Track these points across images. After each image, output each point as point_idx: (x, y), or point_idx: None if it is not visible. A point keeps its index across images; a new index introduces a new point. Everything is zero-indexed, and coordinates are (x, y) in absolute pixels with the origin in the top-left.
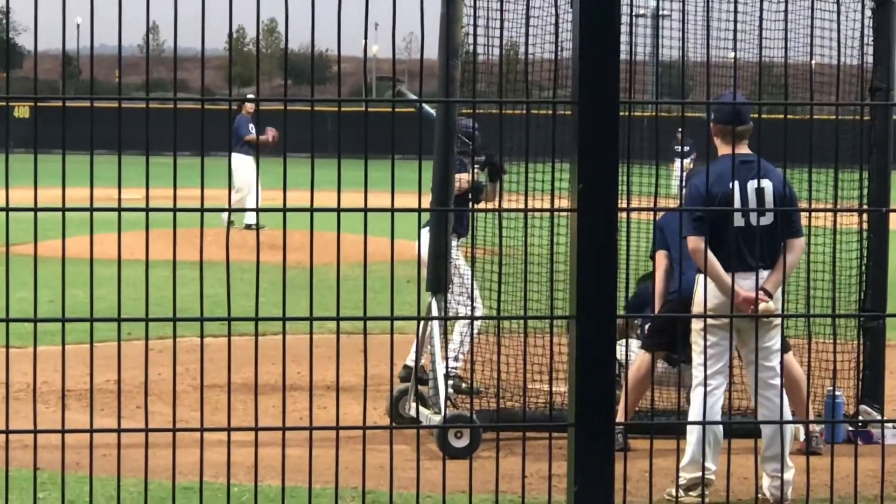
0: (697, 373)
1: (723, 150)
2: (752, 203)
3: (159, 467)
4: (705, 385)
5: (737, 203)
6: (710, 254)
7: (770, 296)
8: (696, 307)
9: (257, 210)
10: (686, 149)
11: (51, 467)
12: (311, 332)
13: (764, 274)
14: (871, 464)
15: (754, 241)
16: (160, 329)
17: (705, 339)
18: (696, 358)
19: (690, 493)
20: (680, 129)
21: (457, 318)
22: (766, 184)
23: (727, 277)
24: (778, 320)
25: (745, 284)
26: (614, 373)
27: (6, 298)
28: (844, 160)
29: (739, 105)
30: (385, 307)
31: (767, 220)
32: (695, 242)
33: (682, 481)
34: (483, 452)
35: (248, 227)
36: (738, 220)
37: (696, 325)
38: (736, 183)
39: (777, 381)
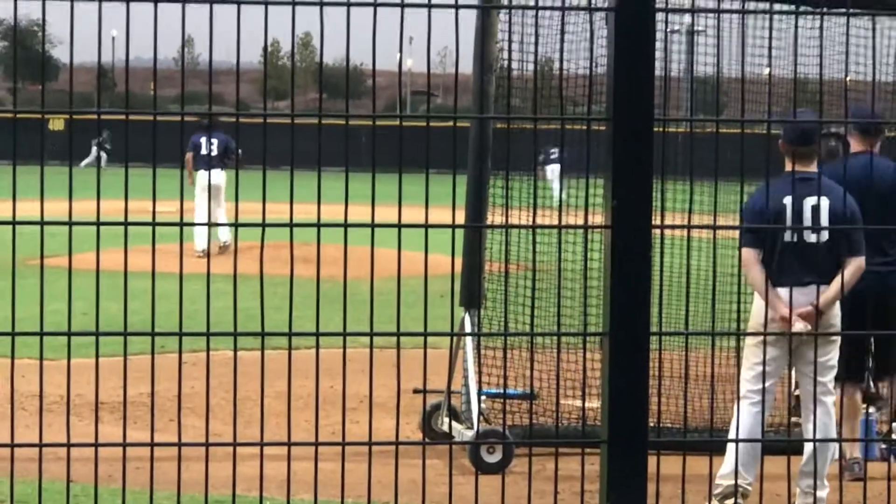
0: (744, 386)
1: (788, 167)
2: (807, 219)
3: (192, 481)
4: (738, 398)
5: (789, 219)
6: (757, 268)
7: (819, 312)
8: (752, 321)
9: (208, 226)
10: (554, 155)
11: (84, 480)
12: (345, 347)
13: (815, 290)
14: None
15: (807, 257)
16: (194, 342)
17: (764, 353)
18: (746, 372)
19: (727, 502)
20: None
21: (490, 334)
22: (824, 202)
23: (770, 293)
24: (835, 336)
25: (795, 300)
26: (647, 389)
27: (40, 311)
28: None
29: (806, 127)
30: (419, 322)
31: (823, 237)
32: (747, 254)
33: (718, 489)
34: (515, 468)
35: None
36: (789, 236)
37: (751, 339)
38: (790, 199)
39: (828, 399)
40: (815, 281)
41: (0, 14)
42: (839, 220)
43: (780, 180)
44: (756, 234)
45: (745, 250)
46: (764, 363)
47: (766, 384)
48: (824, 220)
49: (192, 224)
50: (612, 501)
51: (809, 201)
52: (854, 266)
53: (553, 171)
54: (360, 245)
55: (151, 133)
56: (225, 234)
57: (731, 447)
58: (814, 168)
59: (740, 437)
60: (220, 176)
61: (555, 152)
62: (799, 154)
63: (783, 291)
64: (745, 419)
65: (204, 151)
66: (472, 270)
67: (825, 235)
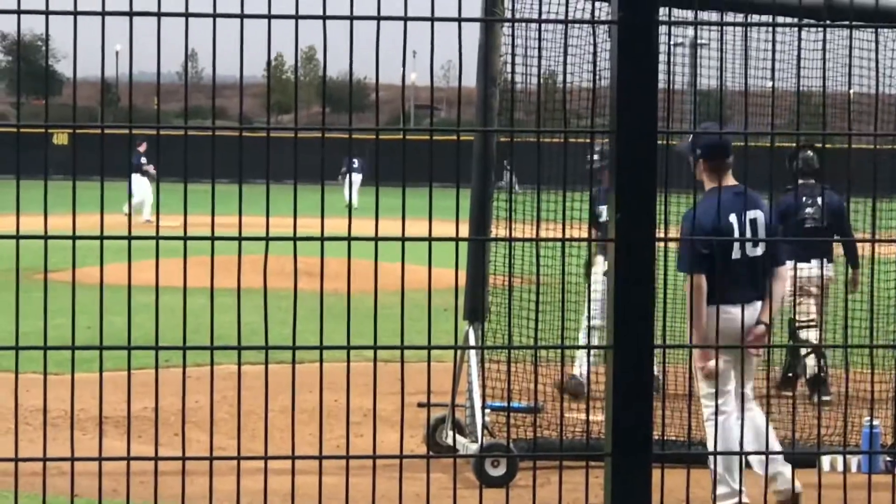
0: (707, 402)
1: (709, 184)
2: (750, 233)
3: (196, 495)
4: (717, 415)
5: (737, 235)
6: (702, 292)
7: (768, 327)
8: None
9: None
10: (356, 164)
11: (88, 494)
12: (349, 361)
13: (758, 304)
14: None
15: (749, 271)
16: (197, 356)
17: (716, 374)
18: (704, 389)
19: None
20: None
21: (493, 347)
22: (758, 214)
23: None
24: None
25: (745, 316)
26: (651, 402)
27: (44, 325)
28: (882, 190)
29: (722, 140)
30: (422, 336)
31: (759, 250)
32: (700, 280)
33: None
34: (520, 481)
35: None
36: (736, 252)
37: (697, 361)
38: (735, 216)
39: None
40: (756, 296)
41: (3, 28)
42: (770, 232)
43: (712, 196)
44: (704, 257)
45: (697, 277)
46: (716, 374)
47: (727, 387)
48: (761, 232)
49: (196, 238)
50: None
51: (748, 215)
52: (782, 276)
53: (356, 179)
54: (363, 259)
55: (155, 147)
56: None
57: (718, 469)
58: (733, 181)
59: (728, 449)
60: None
61: (355, 162)
62: (719, 168)
63: (734, 309)
64: (726, 432)
65: None
66: (476, 284)
67: (760, 249)
